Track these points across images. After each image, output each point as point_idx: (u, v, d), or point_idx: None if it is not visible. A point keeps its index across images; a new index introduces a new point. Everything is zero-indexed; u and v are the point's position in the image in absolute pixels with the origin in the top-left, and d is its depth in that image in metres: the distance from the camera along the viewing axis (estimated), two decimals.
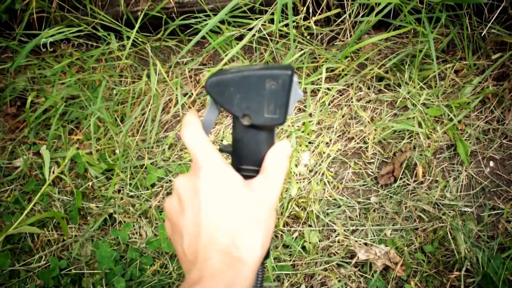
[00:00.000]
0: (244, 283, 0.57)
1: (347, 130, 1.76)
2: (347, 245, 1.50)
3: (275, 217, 0.63)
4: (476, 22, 1.85)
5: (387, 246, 1.48)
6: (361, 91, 1.84)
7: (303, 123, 1.76)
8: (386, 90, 1.84)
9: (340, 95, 1.86)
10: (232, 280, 0.56)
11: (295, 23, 1.89)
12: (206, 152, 0.62)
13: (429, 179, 1.61)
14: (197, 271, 0.58)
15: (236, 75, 0.63)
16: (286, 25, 1.86)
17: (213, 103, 0.66)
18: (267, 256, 0.71)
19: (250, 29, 1.85)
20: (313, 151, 1.72)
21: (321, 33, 1.96)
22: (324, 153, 1.71)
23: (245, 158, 0.67)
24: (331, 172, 1.69)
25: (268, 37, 1.87)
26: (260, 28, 1.84)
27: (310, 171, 1.68)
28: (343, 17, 1.86)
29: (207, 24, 1.79)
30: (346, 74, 1.87)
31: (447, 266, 1.45)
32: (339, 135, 1.76)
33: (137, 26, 1.90)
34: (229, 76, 0.64)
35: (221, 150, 0.70)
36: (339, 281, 1.45)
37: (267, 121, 0.64)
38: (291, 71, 0.62)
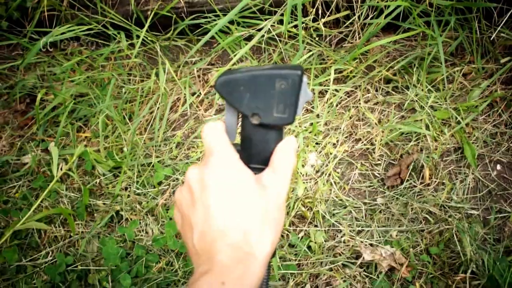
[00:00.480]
0: (253, 279, 0.58)
1: (354, 132, 1.76)
2: (352, 246, 1.50)
3: (285, 213, 0.64)
4: (485, 26, 1.85)
5: (392, 247, 1.48)
6: (369, 93, 1.85)
7: (311, 124, 1.76)
8: (394, 93, 1.84)
9: (348, 97, 1.86)
10: (241, 275, 0.57)
11: (304, 24, 1.90)
12: (220, 146, 0.63)
13: (435, 181, 1.61)
14: (207, 265, 0.58)
15: (246, 74, 0.64)
16: (295, 26, 1.87)
17: (229, 105, 0.67)
18: (273, 254, 0.71)
19: (259, 30, 1.86)
20: (320, 152, 1.72)
21: (329, 35, 1.97)
22: (331, 154, 1.71)
23: (253, 157, 0.67)
24: (338, 172, 1.69)
25: (277, 38, 1.88)
26: (269, 28, 1.84)
27: (317, 171, 1.68)
28: (352, 19, 1.86)
29: (216, 24, 1.81)
30: (354, 76, 1.87)
31: (453, 268, 1.45)
32: (346, 136, 1.76)
33: (146, 25, 1.92)
34: (239, 76, 0.64)
35: None
36: (344, 281, 1.45)
37: (276, 120, 0.64)
38: (301, 71, 0.63)
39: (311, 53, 1.86)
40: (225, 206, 0.59)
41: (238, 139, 0.69)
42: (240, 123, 0.69)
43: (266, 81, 0.63)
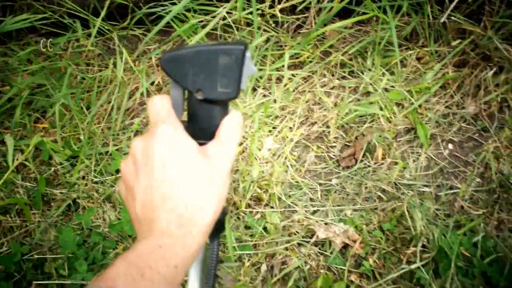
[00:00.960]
0: (192, 245, 0.59)
1: (310, 115, 1.78)
2: (307, 225, 1.52)
3: (228, 184, 0.65)
4: (438, 11, 1.89)
5: (346, 224, 1.50)
6: (325, 78, 1.87)
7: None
8: (349, 77, 1.87)
9: (305, 82, 1.88)
10: (180, 240, 0.58)
11: (260, 11, 1.91)
12: (164, 117, 0.64)
13: (389, 161, 1.64)
14: (147, 230, 0.59)
15: (190, 50, 0.65)
16: (251, 12, 1.88)
17: (174, 81, 0.68)
18: (221, 229, 0.72)
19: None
20: (277, 136, 1.74)
21: (287, 21, 1.99)
22: (287, 137, 1.73)
23: (200, 132, 0.68)
24: (294, 155, 1.71)
25: (232, 25, 1.88)
26: (225, 16, 1.85)
27: (274, 155, 1.69)
28: (306, 2, 1.88)
29: (171, 10, 1.81)
30: (310, 62, 1.89)
31: (405, 243, 1.47)
32: (303, 120, 1.78)
33: (102, 13, 1.91)
34: (184, 52, 0.65)
35: None
36: (299, 259, 1.46)
37: (221, 95, 0.65)
38: (244, 46, 0.64)
39: (267, 39, 1.88)
40: (168, 174, 0.60)
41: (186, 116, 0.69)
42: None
43: (210, 56, 0.64)
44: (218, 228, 0.68)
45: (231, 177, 0.64)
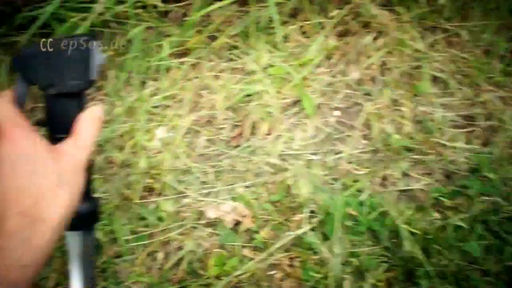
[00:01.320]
0: (41, 240, 0.58)
1: (199, 101, 1.79)
2: (198, 208, 1.53)
3: (83, 178, 0.64)
4: None
5: (235, 202, 1.53)
6: (213, 62, 1.89)
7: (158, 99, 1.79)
8: (237, 58, 1.89)
9: (194, 68, 1.89)
10: (28, 238, 0.57)
11: (141, 2, 1.90)
12: (7, 119, 0.62)
13: (276, 134, 1.68)
14: None
15: (39, 47, 0.64)
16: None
17: (23, 78, 0.66)
18: (95, 220, 0.72)
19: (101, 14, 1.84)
20: (167, 125, 1.74)
21: (171, 11, 1.99)
22: (177, 125, 1.73)
23: (57, 127, 0.67)
24: (186, 142, 1.72)
25: (113, 19, 1.87)
26: (103, 11, 1.83)
27: (165, 144, 1.70)
28: None
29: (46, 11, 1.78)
30: (197, 48, 1.90)
31: (295, 212, 1.51)
32: (193, 106, 1.79)
33: None
34: (33, 49, 0.65)
35: (37, 123, 0.70)
36: (192, 242, 1.47)
37: (72, 87, 0.65)
38: (90, 36, 0.65)
39: (143, 29, 1.87)
40: (15, 175, 0.59)
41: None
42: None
43: (58, 50, 0.64)
44: (91, 220, 0.71)
45: (86, 172, 0.64)
